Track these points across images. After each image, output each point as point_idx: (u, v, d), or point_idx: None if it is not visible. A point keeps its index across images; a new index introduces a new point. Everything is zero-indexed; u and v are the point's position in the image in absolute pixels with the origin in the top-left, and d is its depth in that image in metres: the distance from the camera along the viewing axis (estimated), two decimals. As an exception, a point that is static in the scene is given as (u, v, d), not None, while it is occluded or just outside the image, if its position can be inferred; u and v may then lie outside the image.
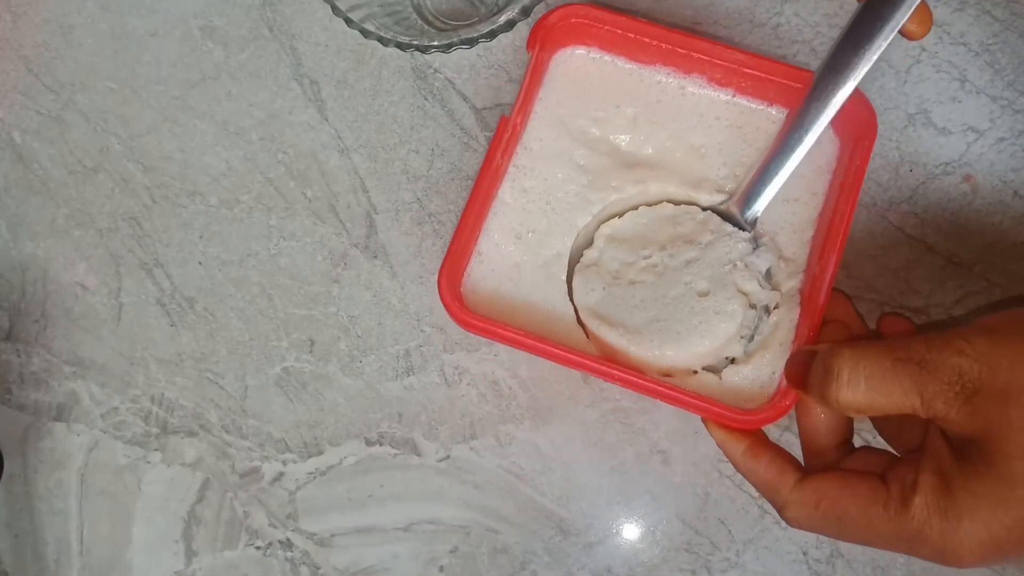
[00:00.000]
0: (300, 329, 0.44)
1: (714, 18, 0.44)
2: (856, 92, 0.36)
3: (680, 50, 0.39)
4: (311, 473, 0.43)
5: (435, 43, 0.40)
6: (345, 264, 0.44)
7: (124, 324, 0.45)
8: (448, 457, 0.42)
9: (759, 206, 0.38)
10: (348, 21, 0.40)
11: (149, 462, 0.44)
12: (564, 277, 0.39)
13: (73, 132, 0.47)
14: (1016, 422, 0.26)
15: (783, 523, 0.39)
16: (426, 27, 0.45)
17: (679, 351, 0.37)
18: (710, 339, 0.37)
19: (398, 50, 0.41)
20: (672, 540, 0.41)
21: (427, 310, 0.43)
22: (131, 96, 0.47)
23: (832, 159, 0.39)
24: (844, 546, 0.39)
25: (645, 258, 0.39)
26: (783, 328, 0.37)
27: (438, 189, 0.44)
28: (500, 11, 0.42)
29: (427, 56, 0.45)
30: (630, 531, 0.41)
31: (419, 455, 0.42)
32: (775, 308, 0.37)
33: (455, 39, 0.40)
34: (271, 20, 0.47)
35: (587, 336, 0.38)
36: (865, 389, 0.28)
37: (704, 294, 0.38)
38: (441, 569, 0.41)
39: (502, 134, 0.38)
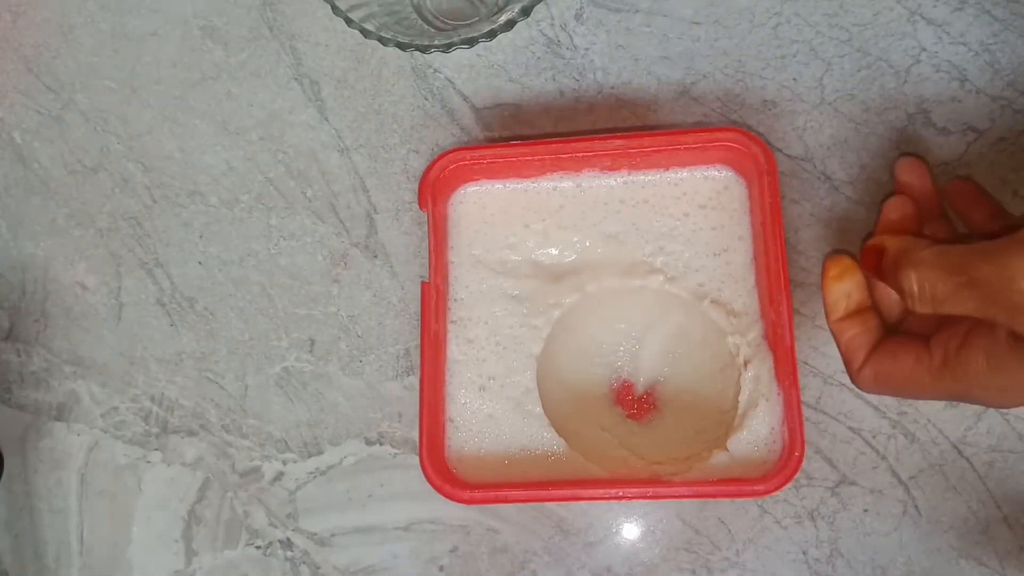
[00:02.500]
0: (300, 329, 0.44)
1: (714, 17, 0.44)
2: (746, 132, 0.38)
3: (563, 155, 0.39)
4: (311, 473, 0.43)
5: (435, 43, 0.40)
6: (345, 264, 0.44)
7: (124, 324, 0.45)
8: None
9: None
10: (348, 21, 0.40)
11: (149, 462, 0.44)
12: (540, 410, 0.39)
13: (73, 132, 0.47)
14: None
15: (783, 523, 0.40)
16: (426, 27, 0.45)
17: None
18: None
19: (398, 50, 0.41)
20: (672, 540, 0.41)
21: (427, 310, 0.43)
22: (131, 96, 0.47)
23: (744, 199, 0.40)
24: (844, 546, 0.39)
25: None
26: (763, 380, 0.37)
27: (438, 189, 0.44)
28: (500, 11, 0.42)
29: (427, 56, 0.45)
30: (630, 531, 0.41)
31: (419, 455, 0.42)
32: (747, 363, 0.38)
33: (455, 39, 0.40)
34: (271, 20, 0.47)
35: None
36: (935, 305, 0.30)
37: None
38: (441, 568, 0.41)
39: (428, 299, 0.38)
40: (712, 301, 0.39)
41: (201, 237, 0.45)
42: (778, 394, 0.36)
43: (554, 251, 0.41)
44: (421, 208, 0.39)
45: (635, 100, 0.43)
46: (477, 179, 0.41)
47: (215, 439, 0.44)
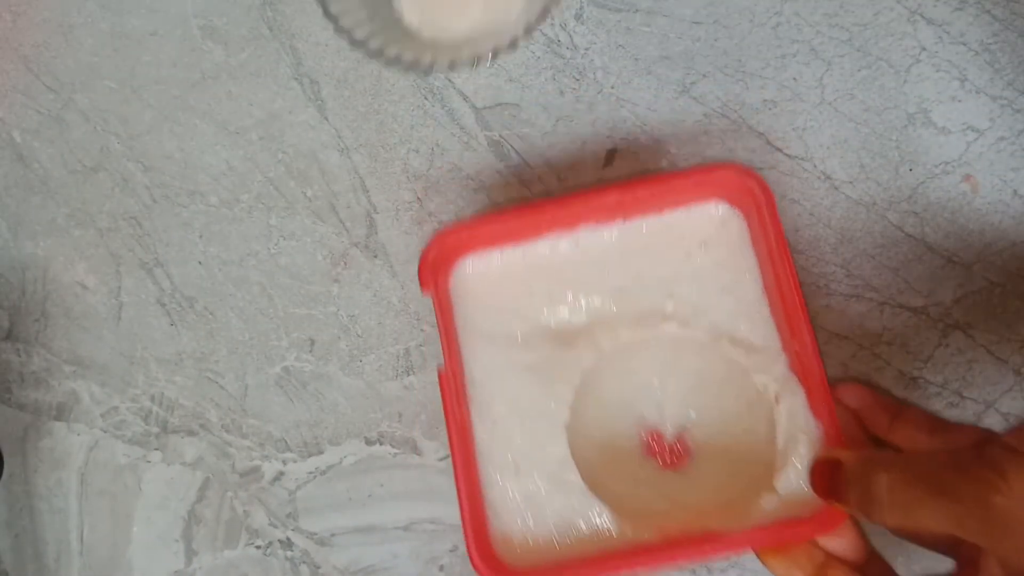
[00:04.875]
0: (300, 328, 0.44)
1: (714, 17, 0.43)
2: (739, 167, 0.37)
3: (557, 215, 0.39)
4: (311, 472, 0.43)
5: (439, 61, 0.39)
6: (345, 263, 0.44)
7: (124, 323, 0.45)
8: (447, 456, 0.42)
9: None
10: (353, 42, 0.39)
11: (149, 461, 0.44)
12: (578, 478, 0.37)
13: (73, 131, 0.47)
14: None
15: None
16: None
17: None
18: None
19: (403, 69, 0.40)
20: (672, 539, 0.41)
21: (427, 309, 0.43)
22: (131, 95, 0.47)
23: (743, 232, 0.39)
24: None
25: None
26: (798, 415, 0.36)
27: (438, 188, 0.44)
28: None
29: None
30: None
31: (419, 454, 0.42)
32: (778, 398, 0.37)
33: (459, 58, 0.39)
34: (271, 19, 0.47)
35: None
36: (906, 515, 0.29)
37: None
38: (441, 568, 0.41)
39: (446, 388, 0.37)
40: (730, 340, 0.38)
41: (201, 237, 0.45)
42: (817, 427, 0.36)
43: (562, 312, 0.40)
44: (423, 292, 0.38)
45: (635, 100, 0.43)
46: (474, 250, 0.40)
47: (215, 439, 0.44)
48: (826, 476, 0.33)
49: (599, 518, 0.37)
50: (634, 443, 0.39)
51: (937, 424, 0.35)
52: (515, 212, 0.39)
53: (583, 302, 0.40)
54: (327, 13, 0.39)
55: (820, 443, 0.35)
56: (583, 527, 0.37)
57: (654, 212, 0.40)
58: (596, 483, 0.37)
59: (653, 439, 0.39)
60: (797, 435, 0.36)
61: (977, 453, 0.28)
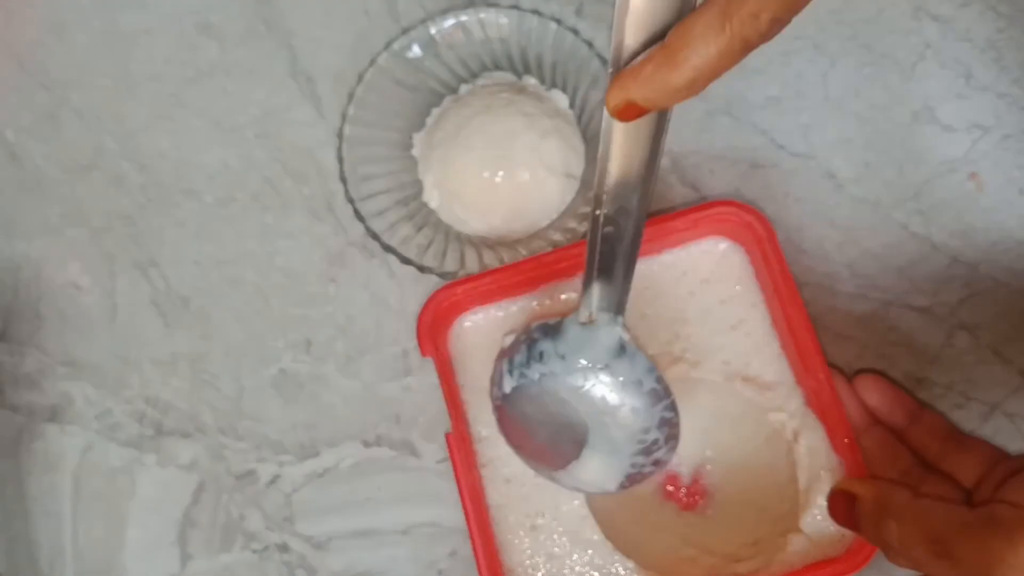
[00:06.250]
0: (297, 329, 0.44)
1: (716, 14, 0.43)
2: (737, 203, 0.37)
3: (555, 267, 0.38)
4: (308, 475, 0.42)
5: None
6: (342, 263, 0.44)
7: (118, 324, 0.45)
8: (446, 459, 0.42)
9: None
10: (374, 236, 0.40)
11: (143, 464, 0.43)
12: (599, 535, 0.36)
13: (67, 130, 0.47)
14: None
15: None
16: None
17: None
18: None
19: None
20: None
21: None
22: (125, 93, 0.47)
23: (745, 266, 0.39)
24: (848, 549, 0.39)
25: None
26: (819, 452, 0.36)
27: (436, 187, 0.44)
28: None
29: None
30: None
31: (417, 457, 0.42)
32: (797, 435, 0.36)
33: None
34: (267, 16, 0.46)
35: None
36: (913, 565, 0.30)
37: None
38: (440, 572, 0.41)
39: (455, 452, 0.37)
40: (743, 379, 0.37)
41: (196, 236, 0.45)
42: (839, 464, 0.35)
43: None
44: (423, 355, 0.38)
45: (636, 97, 0.43)
46: (472, 307, 0.40)
47: (210, 441, 0.43)
48: (843, 507, 0.33)
49: (624, 572, 0.36)
50: (650, 487, 0.38)
51: (952, 433, 0.35)
52: (510, 267, 0.38)
53: None
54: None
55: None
56: None
57: (652, 254, 0.39)
58: (616, 534, 0.37)
59: (670, 481, 0.38)
60: (819, 473, 0.35)
61: (988, 514, 0.28)
